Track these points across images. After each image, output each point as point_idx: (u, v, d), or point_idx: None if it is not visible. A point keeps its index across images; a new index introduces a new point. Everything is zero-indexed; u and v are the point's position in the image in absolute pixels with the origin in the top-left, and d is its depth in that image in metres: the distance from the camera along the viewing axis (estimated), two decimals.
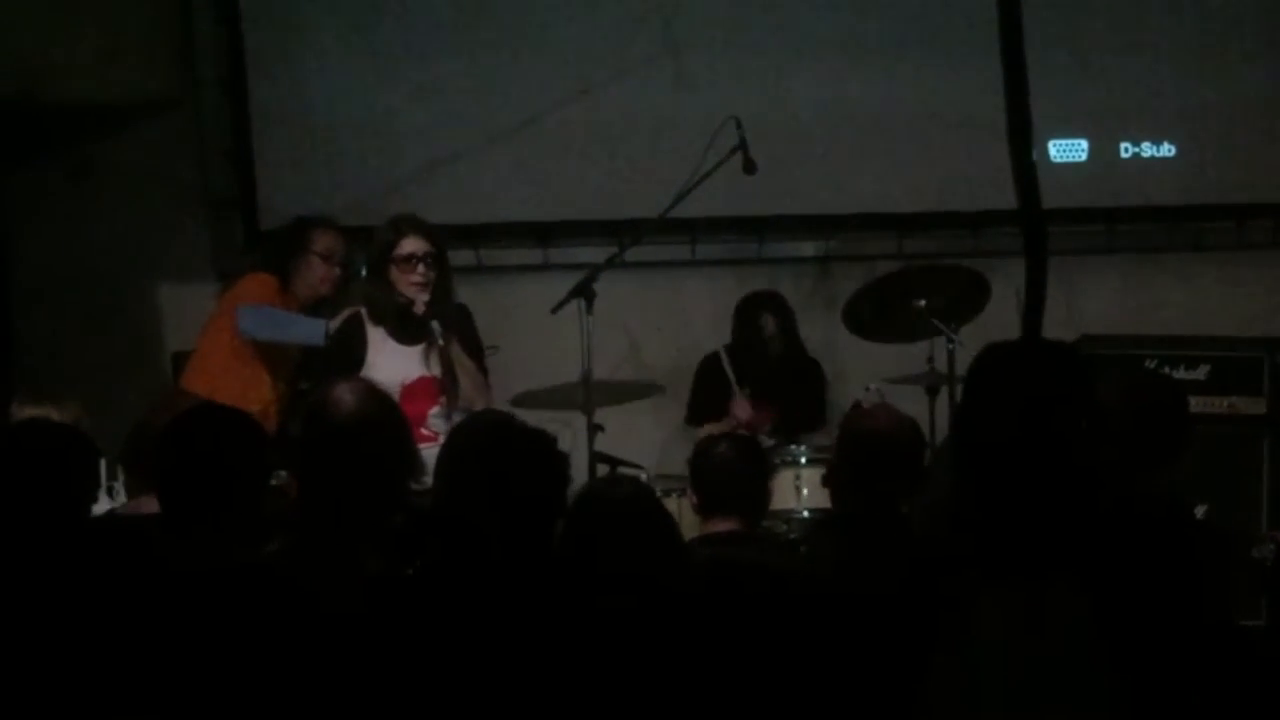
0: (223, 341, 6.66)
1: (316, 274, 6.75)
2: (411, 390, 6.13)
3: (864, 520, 4.51)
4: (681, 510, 5.87)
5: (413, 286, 6.24)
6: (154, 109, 8.01)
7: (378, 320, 6.30)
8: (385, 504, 4.20)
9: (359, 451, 4.18)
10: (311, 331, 6.40)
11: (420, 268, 6.24)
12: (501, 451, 4.10)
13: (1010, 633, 2.88)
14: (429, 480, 4.57)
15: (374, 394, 4.39)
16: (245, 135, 8.15)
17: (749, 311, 7.71)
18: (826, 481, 4.81)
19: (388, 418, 4.40)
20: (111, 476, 5.67)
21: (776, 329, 7.63)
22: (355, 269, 6.74)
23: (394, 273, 6.27)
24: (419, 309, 6.20)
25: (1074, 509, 2.87)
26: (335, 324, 6.36)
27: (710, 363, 7.77)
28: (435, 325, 6.18)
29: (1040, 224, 2.89)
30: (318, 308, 6.71)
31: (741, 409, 7.50)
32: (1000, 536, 2.88)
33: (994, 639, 2.89)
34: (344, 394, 4.37)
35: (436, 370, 6.22)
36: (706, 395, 7.73)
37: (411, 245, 6.28)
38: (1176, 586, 3.13)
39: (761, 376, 7.59)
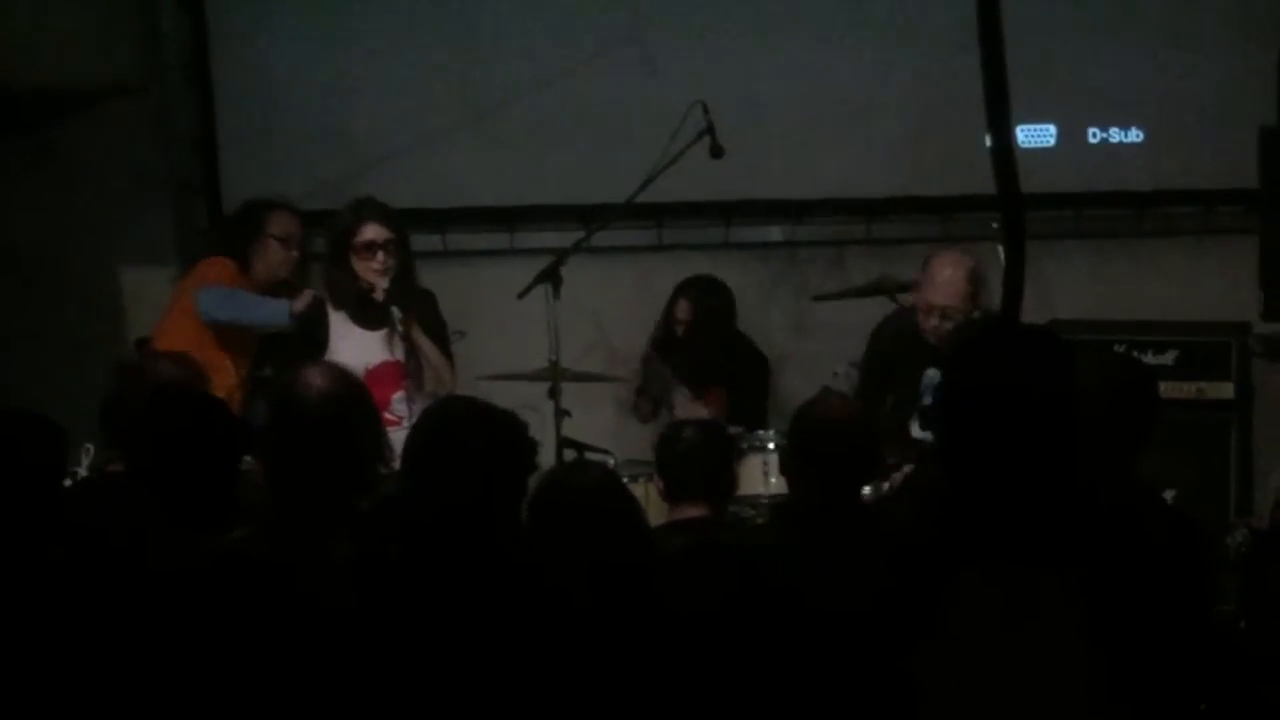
0: (184, 327, 6.63)
1: (275, 257, 6.75)
2: (374, 375, 6.12)
3: (822, 508, 4.49)
4: (649, 495, 5.87)
5: (372, 273, 6.24)
6: (117, 93, 7.97)
7: (338, 305, 6.30)
8: (355, 488, 4.18)
9: (330, 435, 4.16)
10: (275, 313, 6.38)
11: (380, 255, 6.24)
12: (470, 435, 4.07)
13: (990, 621, 2.88)
14: (396, 464, 4.55)
15: (344, 376, 4.37)
16: (209, 119, 8.14)
17: (670, 298, 7.68)
18: (783, 469, 4.80)
19: (359, 400, 4.38)
20: (74, 461, 5.65)
21: (689, 314, 7.58)
22: (322, 254, 6.72)
23: (354, 259, 6.26)
24: (379, 296, 6.20)
25: (1054, 496, 2.86)
26: (298, 306, 6.33)
27: (647, 359, 7.74)
28: (395, 311, 6.18)
29: (1019, 207, 2.87)
30: (276, 291, 6.69)
31: (682, 410, 7.47)
32: (981, 524, 2.87)
33: (975, 628, 2.88)
34: (314, 377, 4.34)
35: (400, 355, 6.21)
36: (649, 391, 7.71)
37: (371, 232, 6.28)
38: (1152, 574, 3.12)
39: (693, 365, 7.56)
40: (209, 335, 6.59)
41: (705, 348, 7.57)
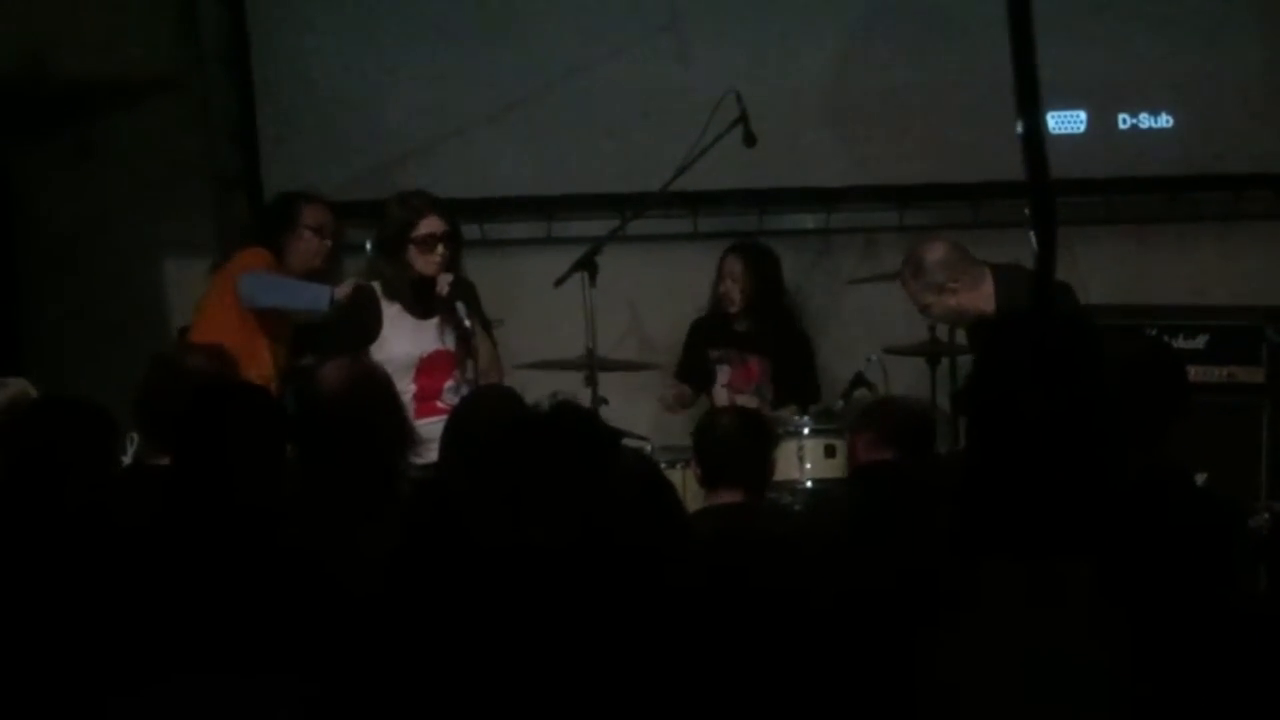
0: (223, 316, 6.67)
1: (309, 248, 6.79)
2: (428, 363, 6.17)
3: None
4: (685, 481, 5.92)
5: (433, 266, 6.25)
6: (158, 86, 8.02)
7: (393, 296, 6.31)
8: (380, 478, 4.23)
9: (347, 428, 4.21)
10: (316, 297, 6.43)
11: (440, 248, 6.25)
12: (508, 424, 4.11)
13: (1015, 607, 2.88)
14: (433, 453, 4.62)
15: (359, 370, 4.42)
16: (249, 112, 8.19)
17: (720, 262, 7.68)
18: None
19: (374, 392, 4.42)
20: (121, 450, 5.72)
21: (742, 270, 7.59)
22: (360, 245, 6.78)
23: (412, 252, 6.28)
24: (442, 289, 6.21)
25: (1084, 480, 2.87)
26: (341, 293, 6.37)
27: (694, 330, 7.78)
28: (461, 307, 6.19)
29: (1049, 193, 2.90)
30: (311, 280, 6.75)
31: (723, 376, 7.52)
32: (1008, 511, 2.88)
33: (998, 614, 2.89)
34: (329, 371, 4.40)
35: (451, 344, 6.24)
36: (689, 357, 7.73)
37: (430, 225, 6.28)
38: (1181, 556, 3.14)
39: (744, 334, 7.60)
40: (249, 323, 6.63)
41: (756, 311, 7.59)
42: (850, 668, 3.22)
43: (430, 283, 6.24)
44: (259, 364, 6.53)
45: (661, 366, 7.51)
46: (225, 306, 6.70)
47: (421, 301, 6.28)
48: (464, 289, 6.32)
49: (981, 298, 6.29)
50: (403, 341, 6.18)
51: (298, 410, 4.36)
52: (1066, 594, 2.91)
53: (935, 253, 6.36)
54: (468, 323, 6.16)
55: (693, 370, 7.65)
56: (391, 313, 6.31)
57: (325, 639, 3.54)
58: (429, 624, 3.44)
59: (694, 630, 3.35)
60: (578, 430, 3.81)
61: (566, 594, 3.38)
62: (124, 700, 3.47)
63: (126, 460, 5.52)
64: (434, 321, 6.28)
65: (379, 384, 4.63)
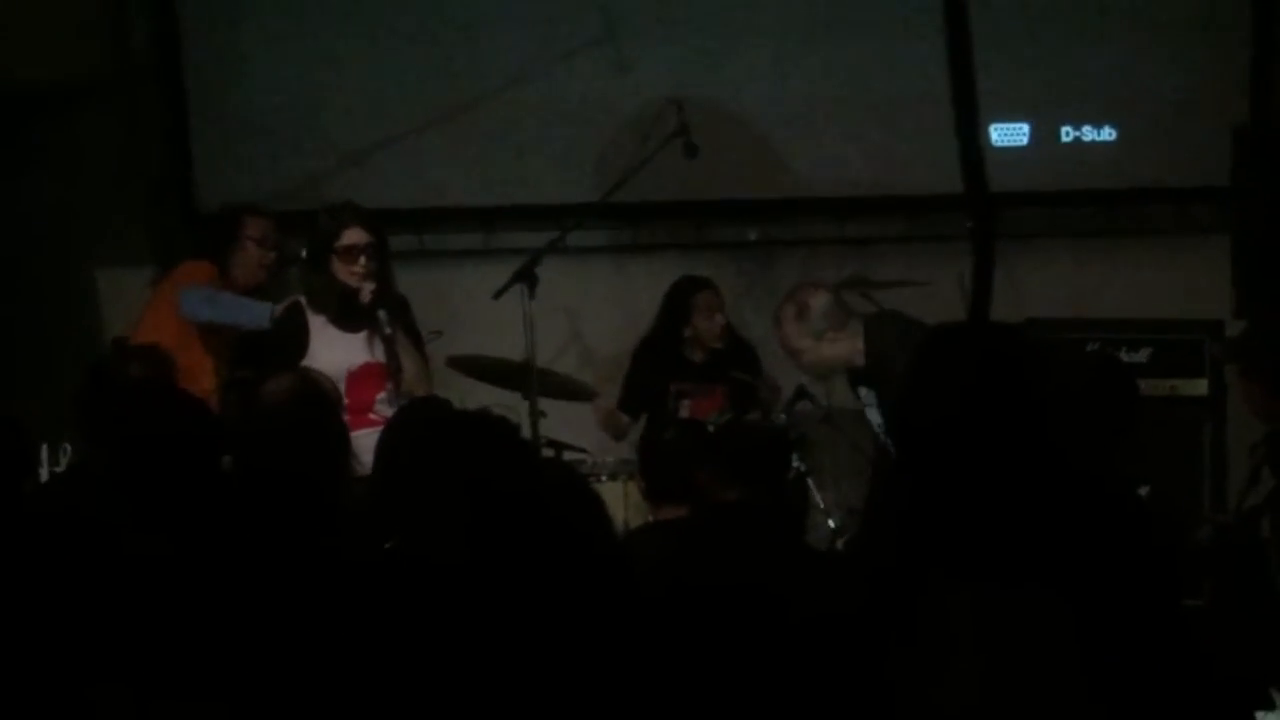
0: (165, 329, 6.63)
1: (252, 260, 6.79)
2: (357, 376, 6.13)
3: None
4: (628, 494, 5.88)
5: (355, 277, 6.23)
6: (89, 94, 7.95)
7: (319, 309, 6.29)
8: (322, 490, 4.19)
9: (289, 440, 4.17)
10: (258, 314, 6.40)
11: (362, 259, 6.23)
12: (442, 435, 4.07)
13: (966, 637, 2.85)
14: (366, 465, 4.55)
15: (306, 385, 4.38)
16: (182, 119, 8.11)
17: (679, 301, 7.51)
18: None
19: (320, 407, 4.38)
20: (54, 461, 5.67)
21: (720, 308, 7.50)
22: (293, 255, 6.73)
23: (335, 263, 6.26)
24: (365, 298, 6.19)
25: (1027, 496, 2.84)
26: (280, 311, 6.34)
27: (641, 361, 7.63)
28: (382, 315, 6.17)
29: (988, 206, 2.86)
30: (253, 294, 6.71)
31: (685, 410, 7.40)
32: (949, 536, 2.85)
33: (952, 645, 2.86)
34: (274, 384, 4.36)
35: (381, 356, 6.21)
36: (637, 390, 7.56)
37: (353, 236, 6.27)
38: (1126, 570, 3.11)
39: (702, 365, 7.52)
40: (191, 337, 6.60)
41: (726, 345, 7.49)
42: (790, 692, 3.19)
43: (357, 295, 6.22)
44: (199, 378, 6.49)
45: (595, 388, 7.43)
46: (165, 319, 6.66)
47: (349, 314, 6.24)
48: (394, 302, 6.29)
49: (855, 350, 6.20)
50: (330, 353, 6.15)
51: (241, 421, 4.31)
52: (1014, 614, 2.88)
53: (820, 299, 6.25)
54: (388, 330, 6.13)
55: (641, 403, 7.52)
56: (318, 325, 6.27)
57: (258, 656, 3.49)
58: (363, 641, 3.43)
59: (614, 650, 3.30)
60: (486, 440, 3.79)
61: (467, 609, 3.33)
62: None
63: (45, 473, 5.47)
64: (363, 334, 6.25)
65: (325, 397, 4.60)
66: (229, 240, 6.81)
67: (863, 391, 6.27)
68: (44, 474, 5.59)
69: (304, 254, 6.43)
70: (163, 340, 6.51)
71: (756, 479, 5.01)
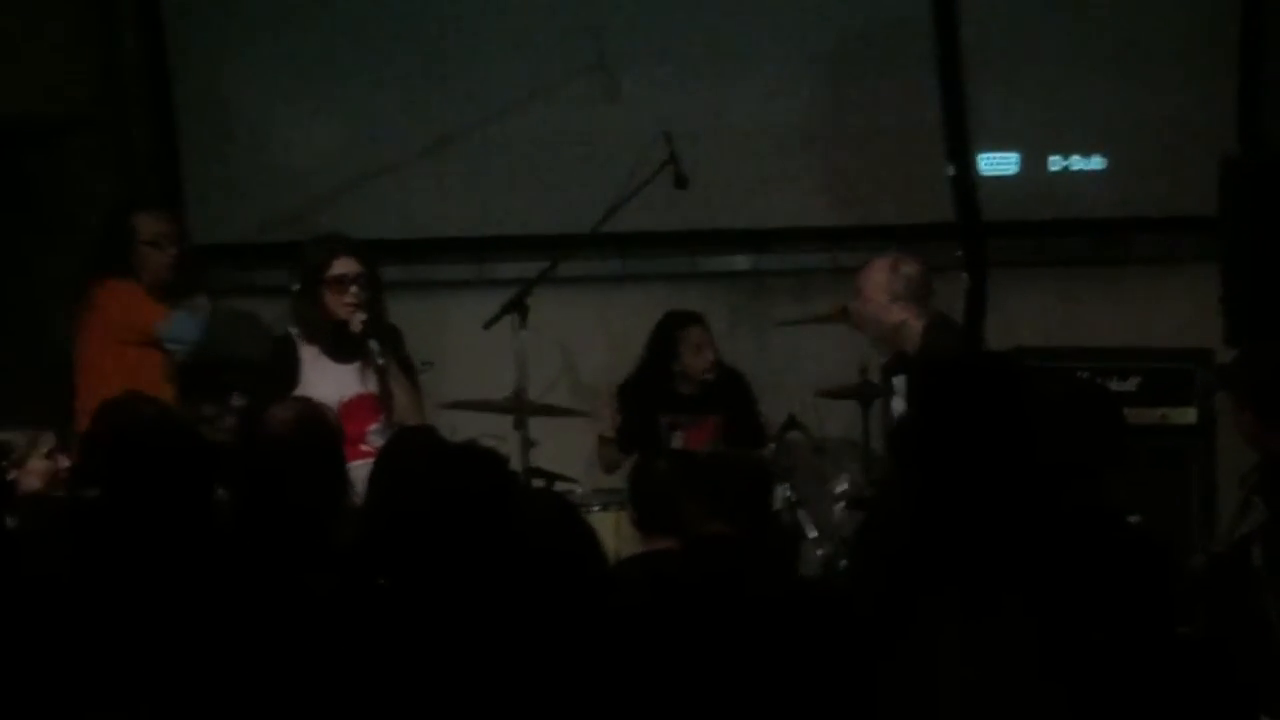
0: (103, 362, 6.59)
1: (154, 261, 6.75)
2: (350, 408, 6.12)
3: None
4: (619, 525, 5.87)
5: (346, 307, 6.24)
6: (78, 125, 7.93)
7: (311, 340, 6.29)
8: (321, 521, 4.19)
9: (290, 469, 4.17)
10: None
11: (353, 289, 6.25)
12: (434, 465, 4.07)
13: (952, 648, 2.87)
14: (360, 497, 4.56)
15: (310, 414, 4.38)
16: (171, 151, 8.10)
17: (668, 335, 7.53)
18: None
19: (321, 437, 4.38)
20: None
21: (709, 343, 7.52)
22: (281, 287, 6.70)
23: (326, 294, 6.26)
24: (356, 328, 6.20)
25: (1019, 524, 2.86)
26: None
27: (628, 392, 7.64)
28: (374, 344, 6.18)
29: (980, 236, 2.88)
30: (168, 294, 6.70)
31: (677, 441, 7.38)
32: (943, 551, 2.86)
33: (937, 655, 2.88)
34: (277, 412, 4.36)
35: (373, 387, 6.21)
36: (627, 424, 7.56)
37: (343, 266, 6.28)
38: (1116, 598, 3.12)
39: (692, 396, 7.52)
40: (129, 363, 6.54)
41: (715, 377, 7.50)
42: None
43: (348, 325, 6.22)
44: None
45: (589, 414, 7.43)
46: (101, 349, 6.60)
47: (341, 345, 6.25)
48: (387, 333, 6.30)
49: (913, 333, 6.31)
50: (323, 385, 6.14)
51: (243, 450, 4.32)
52: (1007, 638, 2.89)
53: (914, 267, 6.40)
54: (380, 361, 6.13)
55: (634, 438, 7.47)
56: (310, 356, 6.27)
57: (257, 681, 3.48)
58: (378, 665, 3.43)
59: (601, 678, 3.32)
60: (473, 472, 3.80)
61: (453, 642, 3.34)
62: None
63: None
64: (355, 365, 6.25)
65: (330, 427, 4.61)
66: (125, 247, 6.72)
67: (895, 380, 6.34)
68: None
69: (295, 286, 6.43)
70: (104, 371, 6.49)
71: (737, 512, 5.02)
